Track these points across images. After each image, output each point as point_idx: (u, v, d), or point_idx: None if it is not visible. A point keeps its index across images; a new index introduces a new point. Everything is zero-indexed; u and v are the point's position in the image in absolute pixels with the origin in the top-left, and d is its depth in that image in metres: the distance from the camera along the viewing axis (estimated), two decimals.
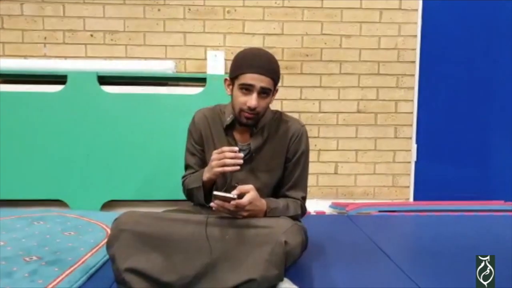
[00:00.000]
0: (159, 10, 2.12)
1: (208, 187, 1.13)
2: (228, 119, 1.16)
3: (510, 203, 2.16)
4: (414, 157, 2.25)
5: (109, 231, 1.13)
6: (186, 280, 0.95)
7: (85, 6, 2.10)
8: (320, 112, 2.21)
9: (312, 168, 2.18)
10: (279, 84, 2.16)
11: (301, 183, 1.22)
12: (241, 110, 1.10)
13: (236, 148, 1.04)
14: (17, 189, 1.90)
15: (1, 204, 1.88)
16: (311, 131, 2.21)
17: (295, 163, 1.19)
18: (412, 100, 2.23)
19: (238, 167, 1.03)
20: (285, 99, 2.19)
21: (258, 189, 1.06)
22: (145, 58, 2.12)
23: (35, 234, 1.41)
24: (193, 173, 1.21)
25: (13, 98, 1.91)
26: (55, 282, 1.04)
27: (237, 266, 0.95)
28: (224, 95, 1.18)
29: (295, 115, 2.15)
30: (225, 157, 1.02)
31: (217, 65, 2.05)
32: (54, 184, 1.91)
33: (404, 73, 2.21)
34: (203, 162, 1.20)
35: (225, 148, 1.04)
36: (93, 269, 1.15)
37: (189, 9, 2.13)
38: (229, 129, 1.17)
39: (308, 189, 2.21)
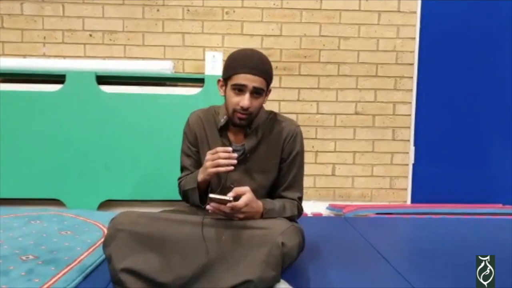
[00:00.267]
0: (158, 10, 2.12)
1: (203, 188, 1.13)
2: (222, 120, 1.16)
3: (508, 206, 2.16)
4: (411, 160, 2.25)
5: (105, 230, 1.13)
6: (183, 281, 0.95)
7: (85, 6, 2.10)
8: (317, 113, 2.22)
9: (309, 169, 2.21)
10: (277, 85, 2.18)
11: (297, 184, 1.22)
12: (234, 111, 1.10)
13: (230, 149, 1.04)
14: (14, 188, 1.90)
15: None
16: (309, 133, 2.21)
17: (290, 163, 1.19)
18: (410, 102, 2.23)
19: (232, 167, 1.03)
20: (283, 100, 2.20)
21: (253, 190, 1.06)
22: (144, 58, 2.13)
23: (32, 233, 1.41)
24: (188, 174, 1.21)
25: (12, 97, 1.91)
26: (51, 281, 1.04)
27: (234, 267, 0.95)
28: (222, 96, 1.18)
29: (293, 116, 2.16)
30: (219, 158, 1.03)
31: (215, 65, 2.06)
32: (51, 183, 1.91)
33: (402, 75, 2.22)
34: (199, 164, 1.20)
35: (219, 149, 1.04)
36: (90, 269, 1.15)
37: (188, 10, 2.13)
38: (223, 130, 1.18)
39: (305, 190, 2.22)
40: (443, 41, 2.23)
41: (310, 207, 2.08)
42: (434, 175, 2.26)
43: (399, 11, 2.19)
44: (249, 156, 1.17)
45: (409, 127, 2.24)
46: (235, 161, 1.03)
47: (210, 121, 1.20)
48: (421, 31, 2.20)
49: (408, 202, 2.25)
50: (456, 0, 2.22)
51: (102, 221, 1.57)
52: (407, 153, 2.25)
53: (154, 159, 1.93)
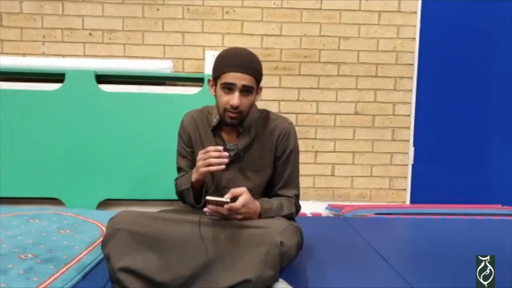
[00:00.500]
0: (158, 9, 2.12)
1: (198, 188, 1.13)
2: (215, 120, 1.16)
3: (507, 207, 2.16)
4: (411, 160, 2.25)
5: (104, 230, 1.13)
6: (181, 280, 0.95)
7: (84, 5, 2.10)
8: (317, 113, 2.21)
9: (309, 169, 2.22)
10: (277, 85, 2.18)
11: (292, 181, 1.22)
12: (225, 110, 1.10)
13: (221, 148, 1.04)
14: (13, 187, 1.90)
15: None
16: (308, 133, 2.21)
17: (284, 161, 1.19)
18: (410, 103, 2.24)
19: (223, 166, 1.03)
20: (283, 100, 2.20)
21: (249, 189, 1.06)
22: (143, 58, 2.13)
23: (31, 231, 1.41)
24: (184, 175, 1.21)
25: (11, 95, 1.90)
26: (50, 280, 1.04)
27: (233, 266, 0.95)
28: (213, 96, 1.18)
29: (293, 116, 2.18)
30: (210, 157, 1.03)
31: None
32: (50, 182, 1.91)
33: (402, 75, 2.22)
34: (194, 164, 1.19)
35: (210, 148, 1.05)
36: (88, 268, 1.15)
37: (188, 9, 2.13)
38: (216, 129, 1.18)
39: (305, 190, 2.24)
40: (443, 42, 2.23)
41: (309, 207, 2.08)
42: (433, 176, 2.26)
43: (399, 11, 2.19)
44: (243, 155, 1.17)
45: (408, 128, 2.24)
46: (226, 160, 1.03)
47: (204, 121, 1.20)
48: (421, 31, 2.20)
49: (407, 202, 2.26)
50: (456, 1, 2.22)
51: (101, 220, 1.57)
52: (407, 153, 2.25)
53: (153, 159, 1.93)
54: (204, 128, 1.20)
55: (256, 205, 1.09)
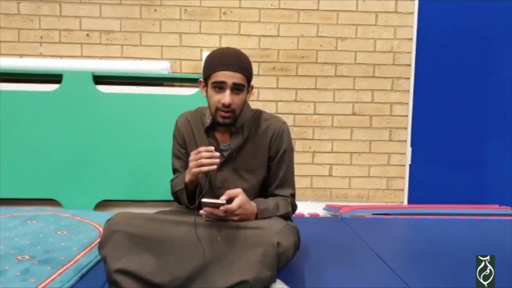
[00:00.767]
0: (155, 10, 2.12)
1: (191, 189, 1.13)
2: (208, 120, 1.16)
3: (505, 207, 2.17)
4: (408, 160, 2.26)
5: (102, 231, 1.13)
6: (179, 282, 0.95)
7: (82, 6, 2.10)
8: (315, 114, 2.22)
9: (306, 170, 2.22)
10: (274, 85, 2.18)
11: (288, 181, 1.22)
12: (217, 109, 1.10)
13: (212, 148, 1.04)
14: (10, 187, 1.90)
15: None
16: (306, 133, 2.22)
17: (279, 161, 1.19)
18: (407, 103, 2.24)
19: (215, 167, 1.03)
20: (280, 101, 2.20)
21: (244, 190, 1.06)
22: (141, 58, 2.13)
23: (28, 233, 1.41)
24: (179, 176, 1.22)
25: (8, 96, 1.90)
26: (47, 281, 1.04)
27: (230, 267, 0.95)
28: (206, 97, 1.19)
29: (290, 117, 2.18)
30: (202, 157, 1.03)
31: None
32: (47, 183, 1.91)
33: (399, 76, 2.23)
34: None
35: (201, 148, 1.05)
36: (86, 269, 1.15)
37: (186, 10, 2.13)
38: (210, 130, 1.18)
39: (302, 191, 2.25)
40: (440, 42, 2.24)
41: (307, 207, 2.08)
42: (431, 176, 2.26)
43: (396, 12, 2.19)
44: (236, 155, 1.17)
45: (406, 128, 2.25)
46: (217, 160, 1.03)
47: (198, 122, 1.21)
48: (418, 32, 2.21)
49: (405, 202, 2.26)
50: (453, 1, 2.23)
51: (98, 221, 1.57)
52: (404, 153, 2.26)
53: (150, 159, 1.93)
54: (198, 129, 1.20)
55: (252, 206, 1.09)
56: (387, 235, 1.67)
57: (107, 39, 2.13)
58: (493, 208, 2.15)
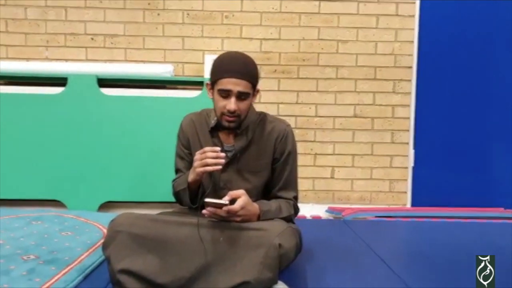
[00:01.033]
0: (158, 14, 2.15)
1: (194, 189, 1.14)
2: (213, 121, 1.18)
3: (510, 210, 2.14)
4: (411, 163, 2.25)
5: (105, 231, 1.15)
6: (181, 282, 0.96)
7: (87, 11, 2.14)
8: (316, 116, 2.23)
9: (308, 172, 2.22)
10: (276, 88, 2.20)
11: (291, 183, 1.23)
12: (222, 114, 1.12)
13: (218, 148, 1.05)
14: (16, 189, 1.92)
15: (0, 204, 1.90)
16: (307, 135, 2.23)
17: (283, 163, 1.20)
18: (409, 106, 2.24)
19: (220, 167, 1.04)
20: (282, 103, 2.21)
21: (246, 190, 1.07)
22: (144, 62, 2.15)
23: (33, 233, 1.43)
24: (181, 176, 1.23)
25: (15, 99, 1.93)
26: (52, 281, 1.05)
27: (232, 268, 0.96)
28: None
29: (292, 119, 2.19)
30: (207, 157, 1.04)
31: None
32: (52, 185, 1.93)
33: (401, 78, 2.23)
34: (192, 166, 1.22)
35: (207, 148, 1.05)
36: (89, 269, 1.16)
37: (188, 14, 2.16)
38: (214, 131, 1.19)
39: (305, 193, 2.25)
40: (441, 44, 2.24)
41: (309, 210, 2.08)
42: (434, 178, 2.25)
43: (397, 15, 2.20)
44: (240, 156, 1.18)
45: (408, 130, 2.25)
46: (223, 161, 1.04)
47: (202, 123, 1.22)
48: (420, 34, 2.21)
49: (408, 205, 2.25)
50: (454, 4, 2.23)
51: (102, 222, 1.58)
52: (406, 156, 2.25)
53: (154, 161, 1.95)
54: (202, 130, 1.22)
55: (255, 207, 1.09)
56: (389, 238, 1.67)
57: (111, 43, 2.16)
58: (498, 211, 2.13)
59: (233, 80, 1.08)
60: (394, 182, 2.25)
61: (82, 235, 1.44)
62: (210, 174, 1.11)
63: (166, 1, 2.14)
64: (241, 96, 1.10)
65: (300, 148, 2.23)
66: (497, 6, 2.24)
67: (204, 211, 1.01)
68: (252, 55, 1.17)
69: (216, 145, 1.15)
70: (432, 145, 2.26)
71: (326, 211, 2.12)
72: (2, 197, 1.91)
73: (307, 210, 2.05)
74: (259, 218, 1.10)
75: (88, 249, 1.30)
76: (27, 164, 1.92)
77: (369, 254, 1.38)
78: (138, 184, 1.95)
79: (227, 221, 1.04)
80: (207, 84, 1.18)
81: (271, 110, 2.14)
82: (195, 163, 1.07)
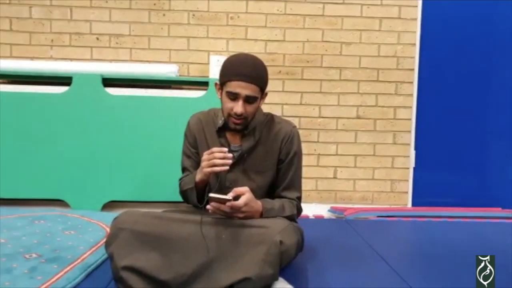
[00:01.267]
0: (164, 15, 2.16)
1: (201, 188, 1.15)
2: (220, 121, 1.19)
3: (508, 210, 2.16)
4: (412, 163, 2.26)
5: (108, 230, 1.15)
6: (183, 279, 0.96)
7: (92, 10, 2.15)
8: (320, 117, 2.23)
9: (311, 172, 2.23)
10: (280, 89, 2.21)
11: (295, 184, 1.24)
12: (229, 115, 1.13)
13: (225, 149, 1.06)
14: (19, 188, 1.93)
15: (3, 203, 1.90)
16: (311, 136, 2.23)
17: (288, 164, 1.21)
18: (410, 107, 2.25)
19: (227, 167, 1.05)
20: (286, 104, 2.22)
21: (251, 190, 1.07)
22: (149, 62, 2.16)
23: (36, 232, 1.43)
24: (188, 175, 1.23)
25: (19, 98, 1.94)
26: (54, 279, 1.05)
27: (233, 265, 0.96)
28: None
29: (295, 120, 2.20)
30: (214, 158, 1.05)
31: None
32: (56, 184, 1.94)
33: (403, 80, 2.24)
34: (199, 165, 1.21)
35: (215, 149, 1.07)
36: (92, 267, 1.16)
37: (193, 15, 2.17)
38: (222, 131, 1.20)
39: (307, 193, 2.25)
40: (443, 47, 2.25)
41: (312, 209, 2.09)
42: (434, 179, 2.27)
43: (400, 18, 2.21)
44: (247, 156, 1.19)
45: (409, 131, 2.25)
46: (230, 161, 1.05)
47: (210, 123, 1.23)
48: (422, 37, 2.22)
49: (409, 205, 2.26)
50: (456, 7, 2.24)
51: (105, 221, 1.59)
52: (408, 156, 2.26)
53: (158, 161, 1.96)
54: (209, 129, 1.22)
55: (258, 204, 1.10)
56: (391, 237, 1.67)
57: (117, 43, 2.17)
58: (496, 211, 2.15)
59: (242, 83, 1.09)
60: (395, 182, 2.25)
61: (85, 234, 1.44)
62: (217, 173, 1.11)
63: (171, 1, 2.15)
64: (248, 100, 1.11)
65: (303, 148, 2.21)
66: (499, 9, 2.25)
67: (208, 206, 1.02)
68: (258, 57, 1.17)
69: (223, 145, 1.16)
70: (432, 146, 2.27)
71: (329, 210, 2.12)
72: (7, 196, 1.91)
73: (310, 209, 2.05)
74: (261, 215, 1.11)
75: (91, 247, 1.30)
76: (31, 164, 1.93)
77: (370, 253, 1.38)
78: (142, 184, 1.96)
79: (229, 218, 1.05)
80: (215, 84, 1.19)
81: (275, 111, 2.13)
82: (203, 163, 1.08)
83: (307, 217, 1.96)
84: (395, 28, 2.21)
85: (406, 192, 2.26)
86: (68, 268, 1.12)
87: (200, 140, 1.23)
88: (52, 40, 2.15)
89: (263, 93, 1.16)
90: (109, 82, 1.99)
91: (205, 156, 1.08)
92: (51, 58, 2.15)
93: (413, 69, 2.23)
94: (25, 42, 2.15)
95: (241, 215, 1.05)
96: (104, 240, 1.21)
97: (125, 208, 1.93)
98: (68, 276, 1.07)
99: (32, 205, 1.92)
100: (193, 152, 1.25)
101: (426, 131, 2.26)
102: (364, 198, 2.25)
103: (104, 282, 1.08)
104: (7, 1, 2.12)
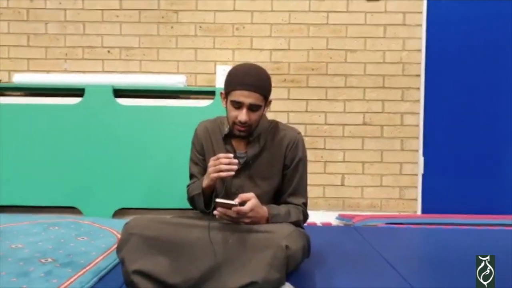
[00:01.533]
0: (172, 27, 2.23)
1: (208, 194, 1.17)
2: (226, 129, 1.22)
3: None
4: (421, 170, 2.24)
5: (119, 236, 1.18)
6: (191, 283, 0.98)
7: (104, 25, 2.23)
8: (326, 124, 2.25)
9: (319, 179, 2.23)
10: (286, 96, 2.24)
11: (301, 189, 1.25)
12: (234, 123, 1.16)
13: (231, 155, 1.09)
14: (34, 196, 1.99)
15: (19, 210, 1.97)
16: (317, 143, 2.24)
17: (293, 170, 1.23)
18: (418, 113, 2.24)
19: (233, 173, 1.07)
20: (292, 111, 2.25)
21: (257, 196, 1.09)
22: (158, 73, 2.22)
23: (51, 238, 1.48)
24: (196, 181, 1.26)
25: (35, 109, 2.02)
26: (68, 282, 1.09)
27: (240, 269, 0.97)
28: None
29: (301, 127, 2.22)
30: (221, 163, 1.07)
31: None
32: (69, 192, 1.99)
33: (409, 86, 2.24)
34: (206, 171, 1.23)
35: (221, 155, 1.09)
36: (104, 271, 1.19)
37: (200, 27, 2.24)
38: (228, 138, 1.23)
39: (315, 200, 2.25)
40: (449, 52, 2.25)
41: (320, 217, 2.08)
42: (444, 186, 2.23)
43: (404, 25, 2.23)
44: (252, 163, 1.21)
45: (417, 138, 2.24)
46: (236, 167, 1.07)
47: (216, 130, 1.26)
48: (427, 43, 2.23)
49: (419, 212, 2.23)
50: (461, 12, 2.24)
51: (116, 227, 1.62)
52: (416, 163, 2.24)
53: (167, 169, 1.99)
54: (216, 137, 1.26)
55: (264, 210, 1.12)
56: (400, 244, 1.65)
57: (127, 55, 2.24)
58: (509, 218, 2.09)
59: (245, 92, 1.12)
60: (404, 189, 2.24)
61: (97, 240, 1.48)
62: (223, 180, 1.14)
63: (179, 14, 2.22)
64: (252, 108, 1.14)
65: (310, 155, 2.23)
66: (504, 13, 2.24)
67: (215, 212, 1.04)
68: (262, 65, 1.21)
69: (229, 152, 1.19)
70: (441, 152, 2.25)
71: (337, 218, 2.12)
72: (23, 203, 1.98)
73: (317, 217, 2.05)
74: (267, 221, 1.12)
75: (102, 253, 1.33)
76: (45, 172, 1.99)
77: (379, 260, 1.37)
78: (151, 191, 2.00)
79: (236, 223, 1.06)
80: (221, 93, 1.22)
81: (281, 119, 2.16)
82: (209, 169, 1.11)
83: (314, 225, 1.95)
84: (400, 34, 2.23)
85: (415, 199, 2.24)
86: (81, 272, 1.16)
87: (207, 147, 1.26)
88: (66, 54, 2.24)
89: (266, 101, 1.19)
90: (119, 93, 2.06)
91: (211, 162, 1.11)
92: (65, 71, 2.24)
93: (419, 75, 2.24)
94: (41, 56, 2.24)
95: (247, 221, 1.07)
96: (115, 245, 1.24)
97: (135, 215, 1.96)
98: (82, 280, 1.11)
99: (46, 212, 1.98)
100: (200, 159, 1.28)
101: (434, 137, 2.24)
102: (372, 205, 2.24)
103: (115, 285, 1.10)
104: (25, 19, 2.23)
